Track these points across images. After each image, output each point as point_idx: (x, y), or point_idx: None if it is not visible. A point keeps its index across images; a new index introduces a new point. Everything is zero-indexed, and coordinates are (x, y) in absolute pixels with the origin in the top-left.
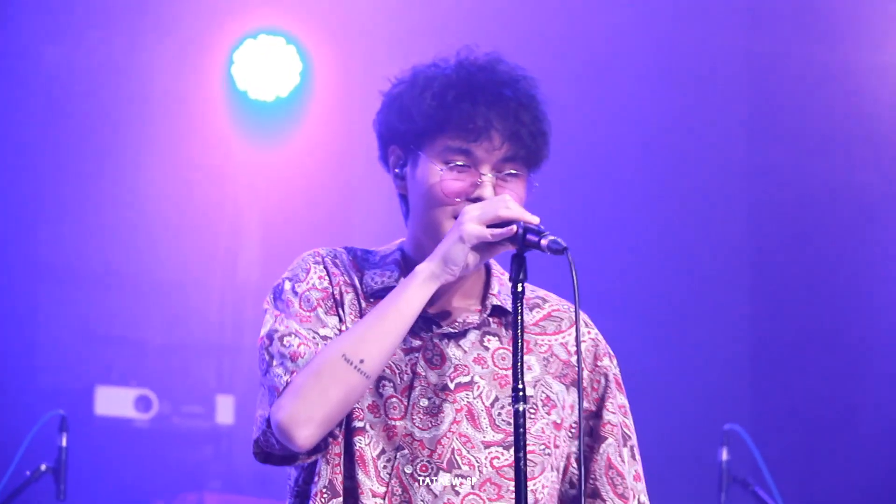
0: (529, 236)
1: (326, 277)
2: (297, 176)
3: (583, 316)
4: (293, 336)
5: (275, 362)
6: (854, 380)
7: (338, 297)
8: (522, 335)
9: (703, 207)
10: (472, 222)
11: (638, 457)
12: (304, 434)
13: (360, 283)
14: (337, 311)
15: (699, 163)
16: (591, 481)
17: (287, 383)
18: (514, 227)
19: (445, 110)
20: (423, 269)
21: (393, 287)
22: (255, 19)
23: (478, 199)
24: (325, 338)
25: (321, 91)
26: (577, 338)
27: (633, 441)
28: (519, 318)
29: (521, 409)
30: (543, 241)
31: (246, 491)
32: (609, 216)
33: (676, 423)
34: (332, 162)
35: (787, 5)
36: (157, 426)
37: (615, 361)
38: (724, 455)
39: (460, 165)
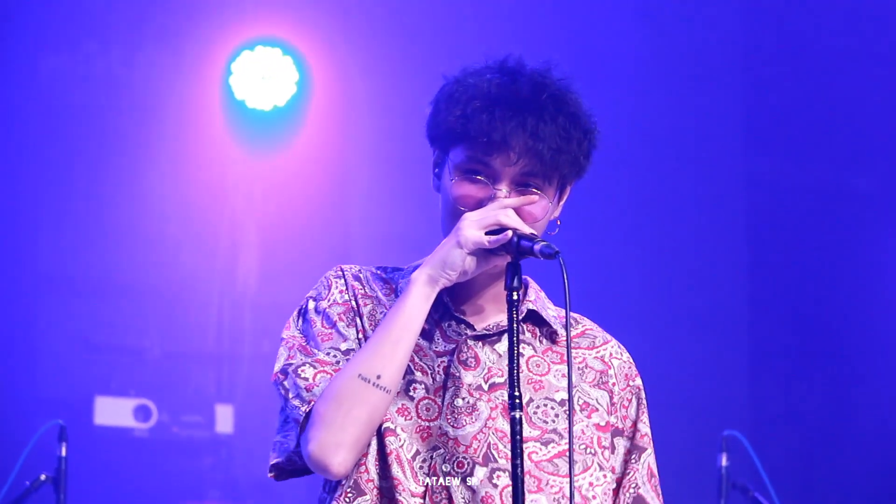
0: (523, 242)
1: (346, 291)
2: (294, 185)
3: (615, 340)
4: (307, 366)
5: (290, 395)
6: (853, 386)
7: (357, 308)
8: (518, 343)
9: (700, 213)
10: (471, 228)
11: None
12: (338, 461)
13: (393, 293)
14: (357, 321)
15: (695, 168)
16: (633, 489)
17: (307, 414)
18: (510, 233)
19: (466, 120)
20: (420, 274)
21: None
22: (252, 30)
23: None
24: (346, 352)
25: (318, 101)
26: (567, 338)
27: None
28: (515, 325)
29: (517, 416)
30: (536, 247)
31: (245, 500)
32: (604, 222)
33: (676, 428)
34: (329, 171)
35: (783, 4)
36: (156, 436)
37: (644, 393)
38: (724, 461)
39: (478, 177)
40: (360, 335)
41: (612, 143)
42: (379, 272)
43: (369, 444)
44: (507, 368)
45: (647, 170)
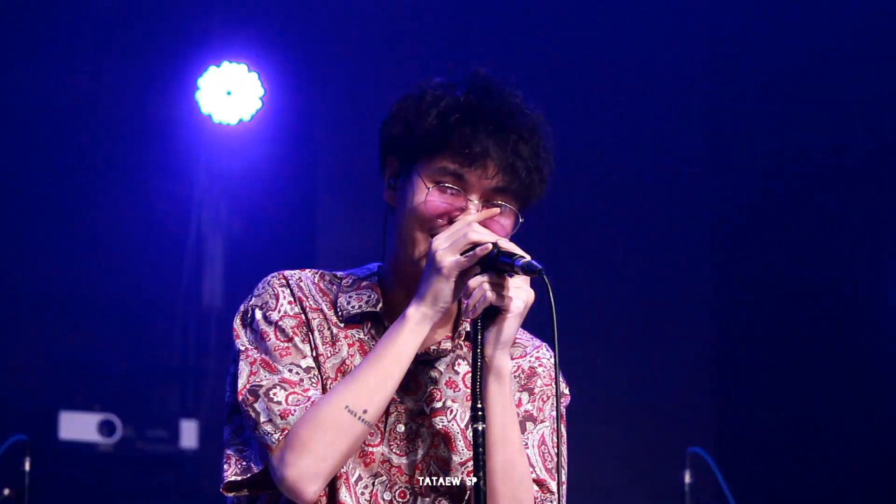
0: (501, 259)
1: (296, 303)
2: (260, 200)
3: (545, 345)
4: (278, 388)
5: (262, 419)
6: (819, 403)
7: (308, 322)
8: (483, 356)
9: (664, 229)
10: (447, 254)
11: (563, 470)
12: (313, 489)
13: (333, 307)
14: (310, 337)
15: (659, 180)
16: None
17: (279, 441)
18: (490, 246)
19: (446, 131)
20: (415, 313)
21: (371, 312)
22: (219, 49)
23: (450, 220)
24: (308, 370)
25: (282, 115)
26: (555, 360)
27: (564, 466)
28: (479, 336)
29: (480, 428)
30: (518, 263)
31: None
32: (566, 238)
33: (640, 446)
34: (294, 185)
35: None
36: (120, 450)
37: (567, 399)
38: (688, 478)
39: (450, 188)
40: (313, 352)
41: (574, 155)
42: (317, 281)
43: None
44: (444, 391)
45: (610, 183)
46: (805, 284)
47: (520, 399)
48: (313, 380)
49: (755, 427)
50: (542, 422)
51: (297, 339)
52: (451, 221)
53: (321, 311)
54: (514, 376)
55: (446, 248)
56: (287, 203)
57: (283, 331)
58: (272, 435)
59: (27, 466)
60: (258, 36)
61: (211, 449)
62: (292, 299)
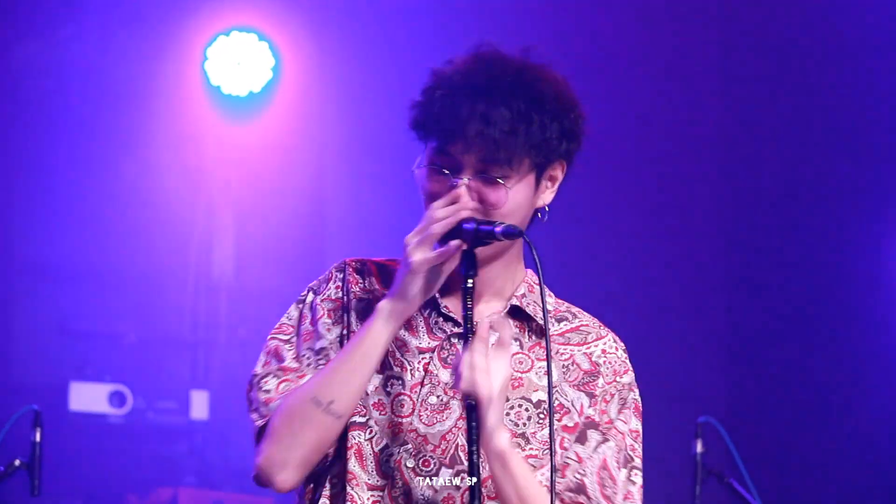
0: (482, 228)
1: (342, 286)
2: (270, 171)
3: (612, 335)
4: (271, 377)
5: (252, 406)
6: (829, 371)
7: (347, 303)
8: (472, 330)
9: (677, 199)
10: (416, 251)
11: (636, 483)
12: (282, 478)
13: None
14: (344, 318)
15: (673, 155)
16: (578, 476)
17: (262, 427)
18: (459, 242)
19: (428, 108)
20: (385, 308)
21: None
22: (228, 16)
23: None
24: (320, 351)
25: (293, 85)
26: (544, 321)
27: (636, 466)
28: (469, 312)
29: (473, 403)
30: (497, 229)
31: (220, 486)
32: (579, 210)
33: (650, 415)
34: (304, 155)
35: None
36: (131, 421)
37: (636, 390)
38: (699, 448)
39: (441, 168)
40: (345, 331)
41: (595, 137)
42: (388, 263)
43: (327, 455)
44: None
45: (624, 159)
46: (819, 252)
47: (581, 405)
48: (321, 362)
49: (766, 396)
50: (606, 441)
51: (324, 320)
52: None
53: (371, 292)
54: (567, 370)
55: (414, 245)
56: (297, 175)
57: (315, 313)
58: (256, 423)
59: (38, 437)
60: (268, 3)
61: (221, 420)
62: (340, 283)
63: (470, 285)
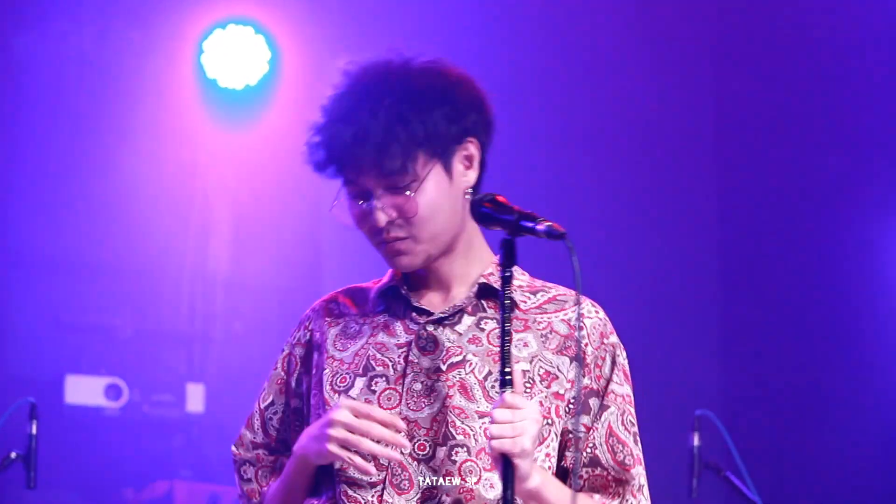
0: (523, 223)
1: (306, 331)
2: (266, 165)
3: (590, 301)
4: (248, 465)
5: (239, 488)
6: (826, 364)
7: (310, 343)
8: (510, 318)
9: (671, 193)
10: (334, 445)
11: (639, 445)
12: None
13: (367, 303)
14: (309, 362)
15: (666, 150)
16: (589, 450)
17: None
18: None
19: (316, 147)
20: (299, 451)
21: (389, 286)
22: (224, 9)
23: (373, 228)
24: (266, 408)
25: (290, 79)
26: (577, 320)
27: (637, 431)
28: (507, 301)
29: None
30: (540, 227)
31: (216, 479)
32: (573, 204)
33: (647, 408)
34: (301, 150)
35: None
36: (127, 415)
37: (623, 352)
38: (696, 441)
39: (353, 198)
40: (301, 369)
41: (581, 133)
42: (361, 287)
43: None
44: (465, 346)
45: (616, 154)
46: (814, 246)
47: (565, 369)
48: (265, 399)
49: (763, 389)
50: (608, 407)
51: (274, 373)
52: (370, 227)
53: (345, 316)
54: (546, 338)
55: (335, 438)
56: (294, 169)
57: (274, 367)
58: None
59: (33, 430)
60: None
61: (217, 413)
62: (306, 326)
63: (508, 274)
